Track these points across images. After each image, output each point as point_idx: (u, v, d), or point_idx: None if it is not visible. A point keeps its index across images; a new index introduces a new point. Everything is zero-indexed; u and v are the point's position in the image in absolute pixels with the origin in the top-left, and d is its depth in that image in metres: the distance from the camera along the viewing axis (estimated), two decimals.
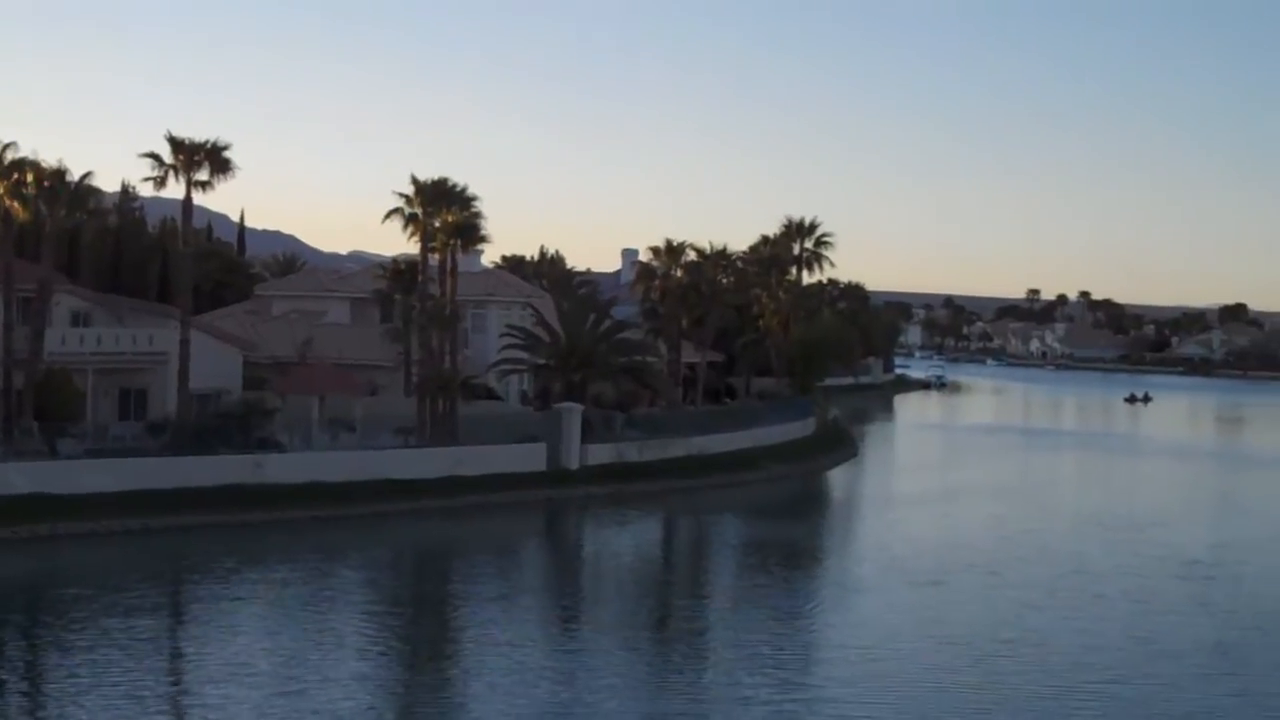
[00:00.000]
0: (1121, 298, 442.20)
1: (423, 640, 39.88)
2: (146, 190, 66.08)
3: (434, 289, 72.49)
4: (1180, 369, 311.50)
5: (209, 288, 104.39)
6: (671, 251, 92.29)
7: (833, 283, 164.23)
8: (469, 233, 72.41)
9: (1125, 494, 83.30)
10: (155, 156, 63.03)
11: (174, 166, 63.18)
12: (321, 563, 50.12)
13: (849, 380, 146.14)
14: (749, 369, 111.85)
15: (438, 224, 71.26)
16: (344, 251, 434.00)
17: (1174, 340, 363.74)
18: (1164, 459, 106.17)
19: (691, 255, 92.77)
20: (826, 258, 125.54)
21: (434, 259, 73.17)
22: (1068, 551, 58.07)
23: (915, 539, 60.28)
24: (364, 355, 79.27)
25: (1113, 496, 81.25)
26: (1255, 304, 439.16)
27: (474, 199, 72.60)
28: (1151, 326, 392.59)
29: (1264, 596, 49.10)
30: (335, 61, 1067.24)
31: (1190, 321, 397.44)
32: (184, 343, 63.74)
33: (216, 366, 69.75)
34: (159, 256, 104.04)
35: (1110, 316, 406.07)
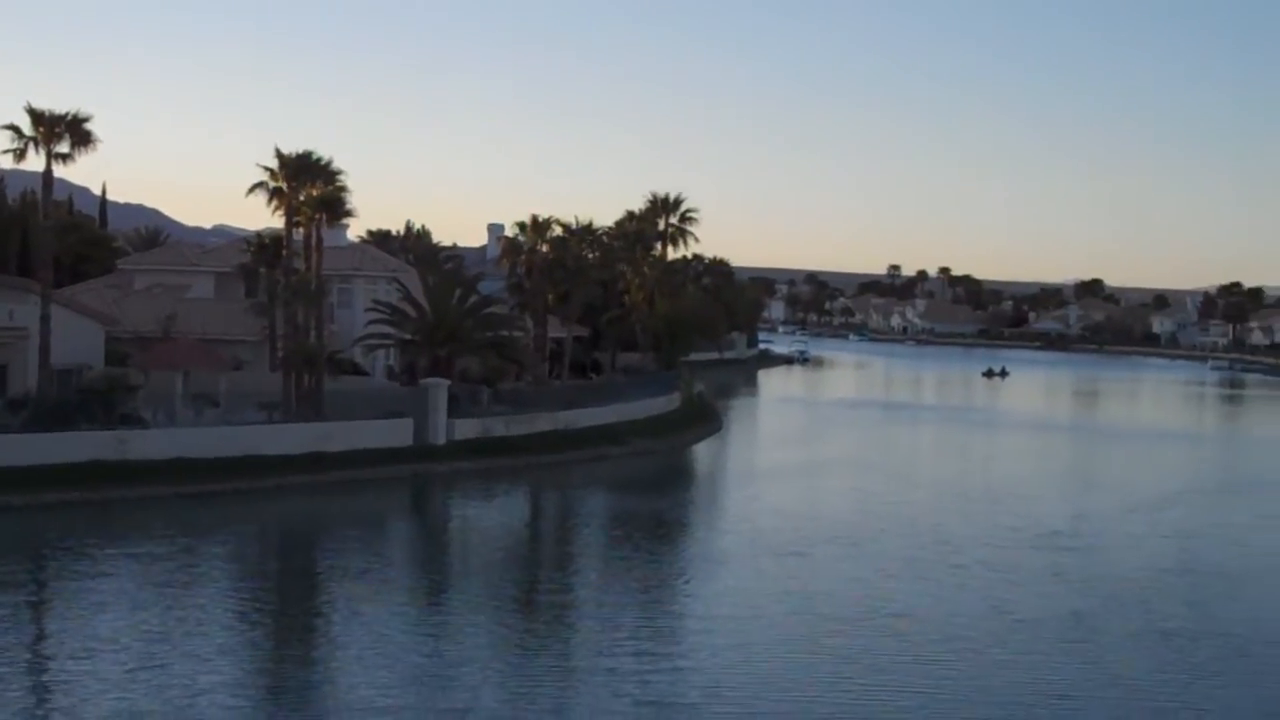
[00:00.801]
0: (981, 274, 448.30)
1: (289, 614, 39.72)
2: (6, 163, 64.78)
3: (299, 263, 71.92)
4: (1038, 344, 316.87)
5: (70, 262, 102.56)
6: (537, 227, 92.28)
7: (697, 258, 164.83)
8: (334, 207, 71.86)
9: (984, 467, 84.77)
10: (14, 129, 61.84)
11: (34, 139, 62.02)
12: (186, 539, 49.64)
13: (714, 355, 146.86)
14: (614, 344, 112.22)
15: (302, 198, 70.62)
16: (208, 226, 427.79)
17: (1032, 316, 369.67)
18: (1021, 432, 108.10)
19: (557, 231, 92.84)
20: (691, 233, 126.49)
21: (299, 233, 72.63)
22: (928, 523, 59.03)
23: (779, 511, 60.95)
24: (228, 330, 78.53)
25: (972, 469, 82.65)
26: (1111, 279, 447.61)
27: (339, 173, 72.08)
28: (1010, 302, 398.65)
29: (1119, 566, 50.26)
30: (199, 33, 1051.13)
31: (1048, 297, 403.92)
32: (44, 318, 62.70)
33: (78, 342, 68.76)
34: (19, 230, 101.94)
35: (970, 292, 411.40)
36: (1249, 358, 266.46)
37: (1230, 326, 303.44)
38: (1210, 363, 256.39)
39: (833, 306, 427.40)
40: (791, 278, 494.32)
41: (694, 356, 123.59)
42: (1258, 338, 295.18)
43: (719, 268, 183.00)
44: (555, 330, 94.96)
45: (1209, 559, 52.40)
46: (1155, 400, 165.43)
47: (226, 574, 44.71)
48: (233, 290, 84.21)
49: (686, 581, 46.05)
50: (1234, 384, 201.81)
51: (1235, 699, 33.33)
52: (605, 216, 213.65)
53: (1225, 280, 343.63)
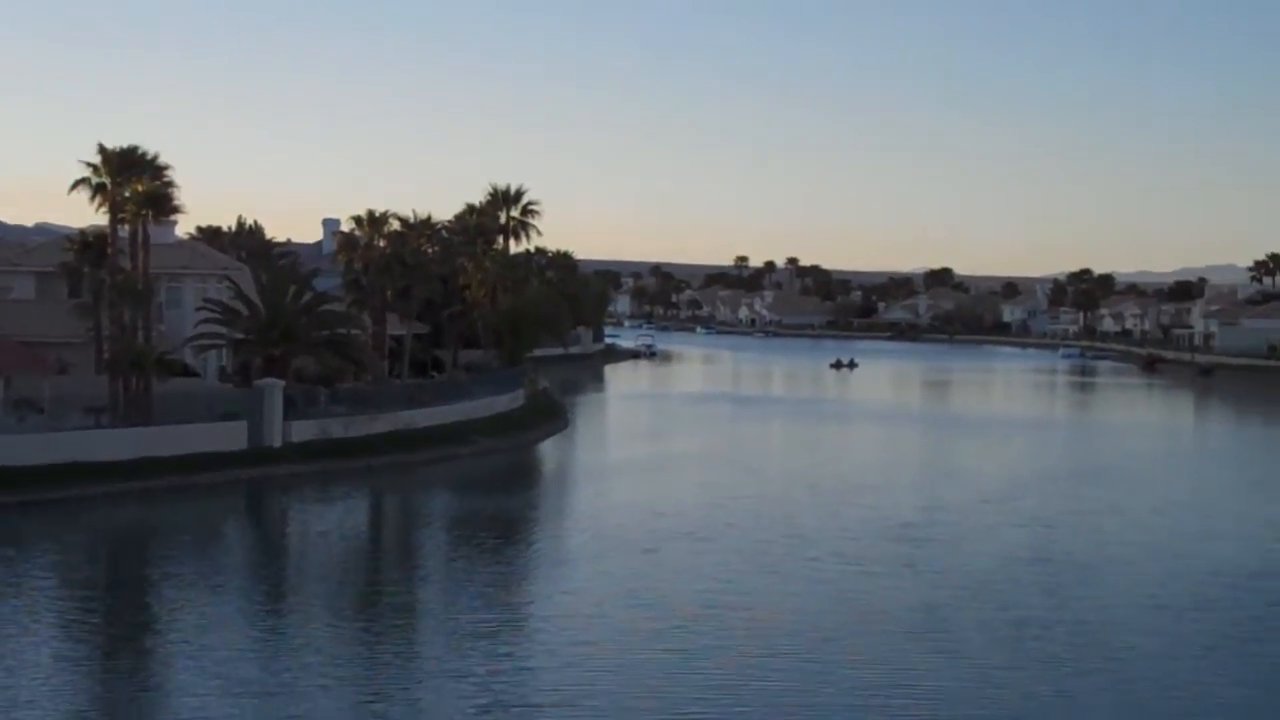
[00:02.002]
0: (829, 264, 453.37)
1: (116, 625, 39.16)
2: None
3: (125, 262, 70.82)
4: (888, 334, 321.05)
5: None
6: (374, 221, 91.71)
7: (540, 251, 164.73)
8: (161, 203, 70.90)
9: (835, 459, 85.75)
10: None
11: None
12: (8, 550, 48.71)
13: (558, 351, 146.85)
14: (456, 341, 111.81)
15: (127, 194, 69.64)
16: (30, 224, 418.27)
17: (881, 306, 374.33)
18: (872, 424, 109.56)
19: (395, 225, 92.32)
20: (534, 226, 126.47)
21: (125, 231, 71.52)
22: (779, 516, 59.65)
23: (627, 508, 61.24)
24: (51, 332, 77.07)
25: (823, 461, 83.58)
26: (960, 268, 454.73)
27: (165, 168, 71.19)
28: (859, 292, 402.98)
29: (973, 556, 51.22)
30: (19, 24, 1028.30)
31: (897, 287, 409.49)
32: None
33: None
34: None
35: (818, 283, 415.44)
36: (1099, 345, 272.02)
37: (1081, 314, 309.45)
38: (1061, 350, 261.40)
39: (679, 299, 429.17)
40: (637, 270, 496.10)
41: (538, 352, 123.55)
42: (1108, 324, 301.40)
43: (562, 261, 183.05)
44: (395, 327, 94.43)
45: (1061, 548, 53.55)
46: (1006, 389, 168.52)
47: (52, 584, 43.97)
48: (56, 290, 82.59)
49: (532, 581, 46.16)
50: (1085, 371, 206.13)
51: (1087, 686, 34.13)
52: (445, 210, 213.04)
53: (1075, 267, 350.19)
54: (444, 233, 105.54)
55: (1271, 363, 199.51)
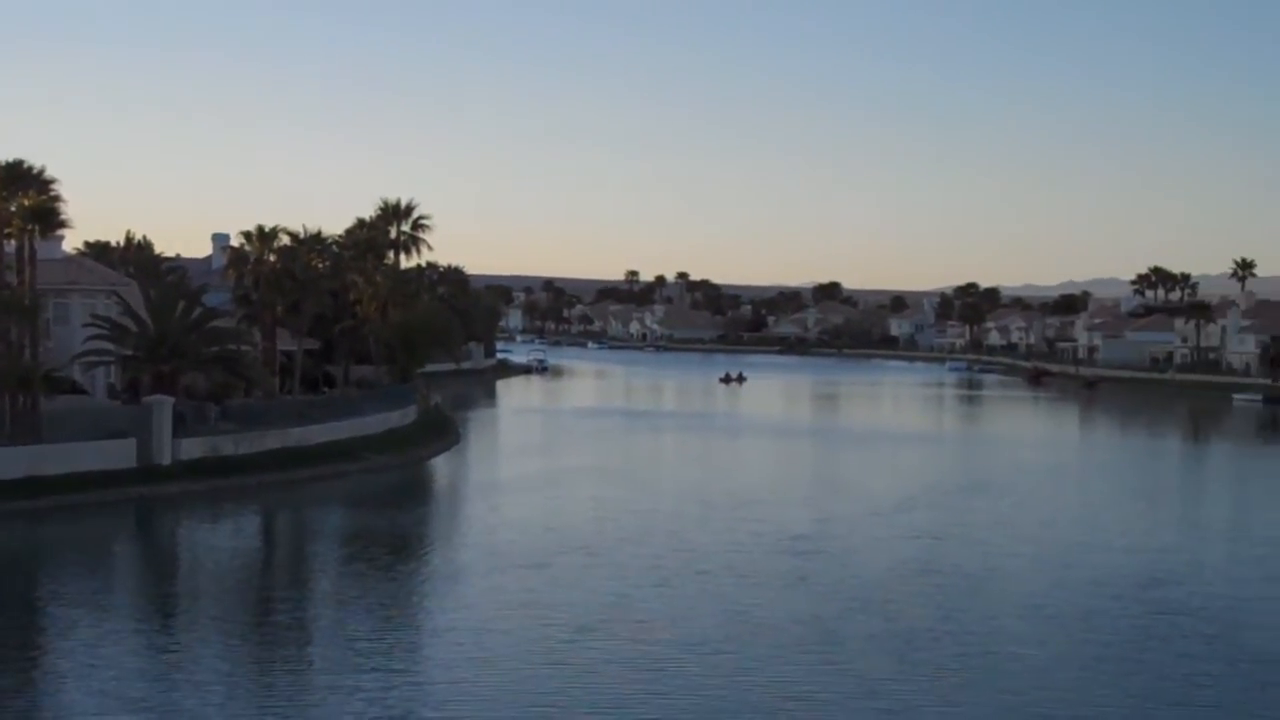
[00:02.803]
0: (719, 278, 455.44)
1: (5, 644, 38.57)
2: None
3: (11, 278, 69.90)
4: (777, 348, 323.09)
5: None
6: (264, 236, 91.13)
7: (432, 266, 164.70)
8: (47, 217, 70.08)
9: (726, 473, 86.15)
10: None
11: None
12: None
13: (450, 366, 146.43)
14: (347, 356, 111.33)
15: (13, 209, 68.76)
16: None
17: (771, 320, 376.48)
18: (762, 438, 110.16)
19: (285, 240, 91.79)
20: (424, 241, 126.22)
21: (11, 246, 70.59)
22: (670, 530, 59.89)
23: (519, 524, 61.24)
24: None
25: (713, 476, 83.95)
26: (849, 282, 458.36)
27: (52, 181, 70.41)
28: (749, 307, 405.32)
29: (862, 569, 51.67)
30: None
31: (786, 301, 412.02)
32: None
33: None
34: None
35: (708, 297, 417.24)
36: (986, 358, 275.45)
37: (967, 327, 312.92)
38: (948, 364, 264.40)
39: (571, 314, 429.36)
40: (529, 285, 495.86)
41: (430, 368, 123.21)
42: (994, 338, 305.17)
43: (454, 276, 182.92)
44: (285, 343, 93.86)
45: (950, 560, 54.13)
46: (894, 403, 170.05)
47: None
48: None
49: (425, 597, 46.08)
50: (972, 385, 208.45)
51: (973, 697, 34.60)
52: (335, 224, 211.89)
53: (962, 281, 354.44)
54: (334, 247, 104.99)
55: (1154, 375, 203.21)
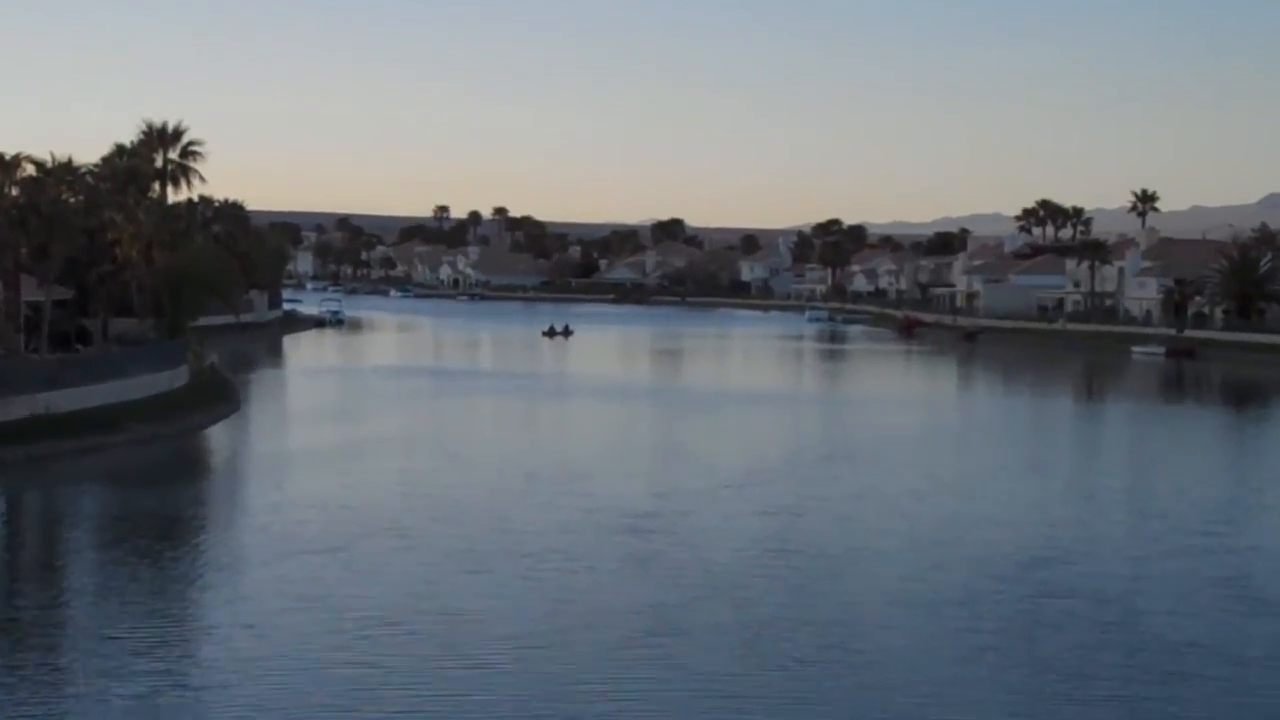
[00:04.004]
0: (543, 215, 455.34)
1: None
2: None
3: None
4: (611, 296, 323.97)
5: None
6: (4, 165, 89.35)
7: (205, 201, 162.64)
8: None
9: (553, 442, 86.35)
10: None
11: None
12: None
13: (229, 319, 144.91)
14: (106, 307, 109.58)
15: None
16: None
17: (603, 264, 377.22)
18: (594, 400, 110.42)
19: (29, 170, 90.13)
20: (196, 171, 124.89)
21: None
22: (488, 508, 59.89)
23: (311, 502, 60.82)
24: None
25: (539, 445, 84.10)
26: (692, 220, 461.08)
27: None
28: (577, 248, 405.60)
29: (711, 550, 52.05)
30: None
31: (621, 241, 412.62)
32: None
33: None
34: None
35: (531, 237, 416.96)
36: (851, 307, 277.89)
37: (829, 271, 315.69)
38: (807, 313, 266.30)
39: (371, 257, 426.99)
40: (320, 223, 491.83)
41: (204, 321, 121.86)
42: (860, 283, 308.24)
43: (232, 212, 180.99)
44: (31, 292, 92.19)
45: (810, 538, 54.73)
46: (746, 358, 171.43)
47: None
48: None
49: (198, 589, 45.63)
50: (835, 337, 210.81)
51: (834, 693, 35.08)
52: (90, 153, 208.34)
53: (822, 218, 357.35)
54: (89, 178, 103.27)
55: (1042, 325, 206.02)
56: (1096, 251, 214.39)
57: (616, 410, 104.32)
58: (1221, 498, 67.62)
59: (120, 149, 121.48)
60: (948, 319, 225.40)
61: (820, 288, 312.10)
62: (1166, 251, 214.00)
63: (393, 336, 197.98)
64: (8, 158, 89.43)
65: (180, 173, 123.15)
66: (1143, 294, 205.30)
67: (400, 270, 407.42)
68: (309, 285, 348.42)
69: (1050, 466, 79.24)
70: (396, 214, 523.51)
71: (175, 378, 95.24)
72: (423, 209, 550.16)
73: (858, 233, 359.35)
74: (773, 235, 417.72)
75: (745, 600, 44.12)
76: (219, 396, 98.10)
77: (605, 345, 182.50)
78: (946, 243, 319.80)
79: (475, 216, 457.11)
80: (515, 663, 36.88)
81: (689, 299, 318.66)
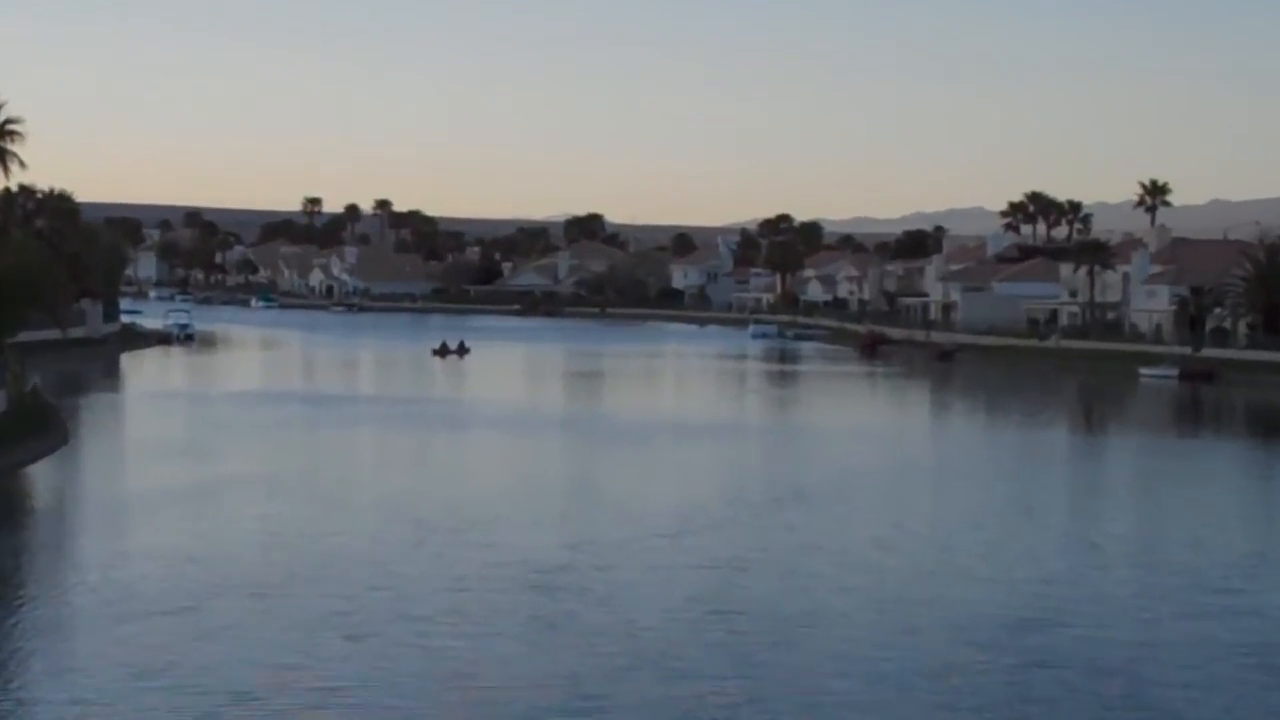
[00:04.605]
0: (434, 209, 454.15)
1: None
2: None
3: None
4: (517, 307, 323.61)
5: None
6: None
7: (26, 191, 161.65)
8: None
9: (447, 482, 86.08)
10: None
11: None
12: None
13: (55, 334, 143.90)
14: None
15: None
16: None
17: (507, 268, 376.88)
18: (496, 432, 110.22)
19: None
20: (15, 154, 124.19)
21: None
22: (370, 561, 59.68)
23: (156, 554, 60.49)
24: None
25: (430, 486, 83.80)
26: (615, 215, 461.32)
27: None
28: (476, 249, 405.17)
29: (636, 610, 51.99)
30: None
31: (529, 241, 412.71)
32: None
33: None
34: None
35: (420, 235, 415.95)
36: (803, 319, 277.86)
37: (778, 277, 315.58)
38: (752, 328, 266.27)
39: (227, 259, 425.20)
40: (166, 217, 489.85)
41: (25, 337, 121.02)
42: (815, 291, 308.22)
43: (59, 205, 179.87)
44: None
45: (756, 597, 54.71)
46: (679, 382, 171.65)
47: None
48: None
49: (15, 658, 45.27)
50: (784, 357, 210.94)
51: None
52: None
53: (770, 213, 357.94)
54: None
55: (1032, 342, 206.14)
56: (1097, 254, 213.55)
57: (522, 444, 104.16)
58: (1246, 549, 67.86)
59: None
60: (919, 335, 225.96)
61: (767, 297, 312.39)
62: (1181, 254, 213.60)
63: (254, 355, 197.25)
64: None
65: None
66: (1152, 305, 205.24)
67: (263, 275, 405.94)
68: (152, 293, 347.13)
69: (1043, 511, 79.41)
70: (258, 208, 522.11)
71: None
72: (289, 202, 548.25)
73: (812, 231, 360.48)
74: (710, 234, 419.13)
75: (677, 672, 44.05)
76: (43, 427, 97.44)
77: (509, 366, 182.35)
78: (918, 243, 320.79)
79: (353, 211, 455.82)
80: None
81: (610, 310, 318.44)
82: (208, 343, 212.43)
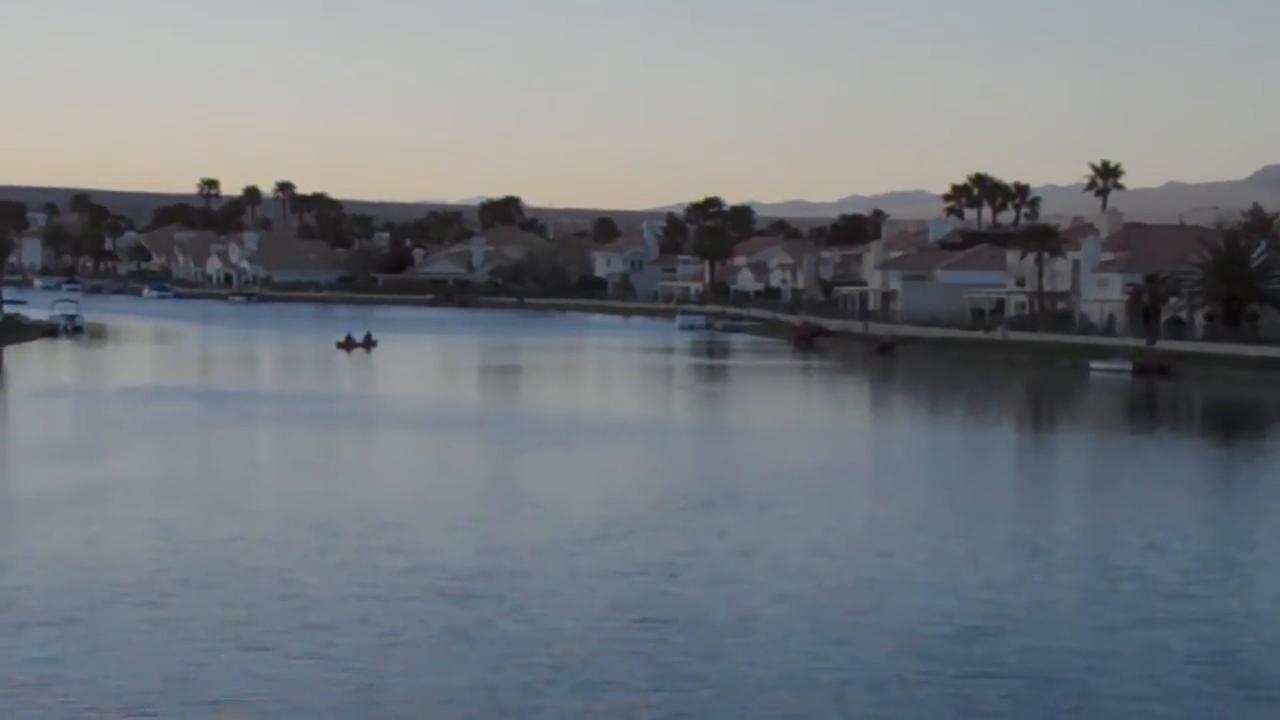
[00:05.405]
0: (340, 191, 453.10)
1: None
2: None
3: None
4: (429, 297, 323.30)
5: None
6: None
7: None
8: None
9: (354, 484, 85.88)
10: None
11: None
12: None
13: None
14: None
15: None
16: None
17: (418, 255, 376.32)
18: (406, 430, 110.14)
19: None
20: None
21: None
22: (271, 568, 59.50)
23: (39, 561, 60.12)
24: None
25: (336, 488, 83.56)
26: (531, 199, 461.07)
27: None
28: (386, 234, 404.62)
29: (557, 619, 51.96)
30: None
31: (441, 226, 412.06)
32: None
33: None
34: None
35: (325, 220, 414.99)
36: (734, 310, 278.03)
37: (707, 264, 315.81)
38: (679, 319, 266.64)
39: (118, 245, 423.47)
40: (52, 200, 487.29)
41: None
42: (746, 280, 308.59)
43: None
44: None
45: (685, 605, 54.68)
46: (602, 377, 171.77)
47: None
48: None
49: None
50: (714, 350, 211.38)
51: None
52: None
53: (698, 196, 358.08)
54: None
55: (978, 334, 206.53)
56: (1045, 240, 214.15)
57: (435, 444, 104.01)
58: (1204, 553, 68.30)
59: None
60: (857, 326, 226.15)
61: (695, 286, 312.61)
62: (1134, 240, 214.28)
63: (147, 349, 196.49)
64: None
65: None
66: (1104, 294, 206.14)
67: (157, 263, 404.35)
68: (37, 282, 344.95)
69: (989, 514, 79.62)
70: (151, 190, 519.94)
71: None
72: (185, 184, 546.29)
73: (743, 215, 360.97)
74: (635, 219, 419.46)
75: (600, 684, 44.06)
76: None
77: (420, 360, 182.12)
78: (856, 228, 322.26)
79: (253, 194, 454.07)
80: None
81: (528, 300, 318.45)
82: (97, 335, 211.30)
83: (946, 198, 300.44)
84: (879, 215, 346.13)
